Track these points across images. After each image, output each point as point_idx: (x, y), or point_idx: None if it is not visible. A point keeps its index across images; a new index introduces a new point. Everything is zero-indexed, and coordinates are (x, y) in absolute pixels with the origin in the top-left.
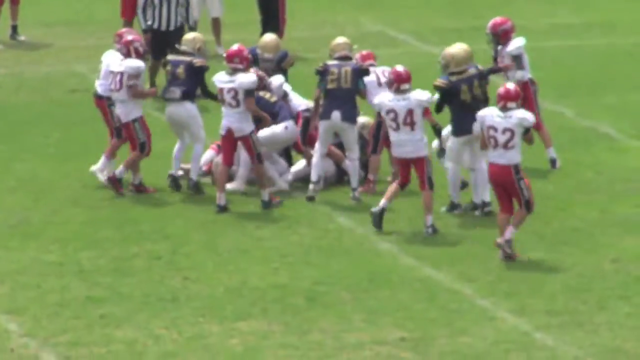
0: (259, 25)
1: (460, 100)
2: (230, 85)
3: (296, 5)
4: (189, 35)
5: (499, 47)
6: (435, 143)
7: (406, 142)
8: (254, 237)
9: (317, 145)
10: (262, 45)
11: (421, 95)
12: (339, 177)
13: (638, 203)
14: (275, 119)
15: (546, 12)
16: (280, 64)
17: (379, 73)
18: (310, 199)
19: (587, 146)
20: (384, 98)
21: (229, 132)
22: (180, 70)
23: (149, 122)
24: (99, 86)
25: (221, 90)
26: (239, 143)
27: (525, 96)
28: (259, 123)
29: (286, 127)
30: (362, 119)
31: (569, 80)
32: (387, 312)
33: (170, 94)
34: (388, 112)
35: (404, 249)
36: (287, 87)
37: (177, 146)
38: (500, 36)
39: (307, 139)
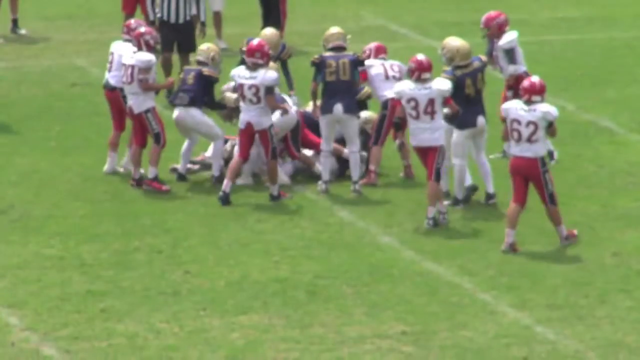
0: (259, 19)
1: (464, 94)
2: (252, 81)
3: None
4: (203, 46)
5: (494, 41)
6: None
7: (424, 131)
8: (254, 230)
9: (323, 144)
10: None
11: (442, 85)
12: (341, 172)
13: (638, 197)
14: None
15: (547, 6)
16: (279, 56)
17: (386, 66)
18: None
19: (587, 140)
20: (404, 86)
21: (249, 126)
22: (190, 77)
23: None
24: (112, 78)
25: (241, 85)
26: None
27: (518, 88)
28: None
29: (281, 114)
30: (365, 114)
31: (569, 74)
32: (388, 305)
33: (178, 100)
34: (409, 100)
35: (405, 243)
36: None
37: (185, 144)
38: (494, 30)
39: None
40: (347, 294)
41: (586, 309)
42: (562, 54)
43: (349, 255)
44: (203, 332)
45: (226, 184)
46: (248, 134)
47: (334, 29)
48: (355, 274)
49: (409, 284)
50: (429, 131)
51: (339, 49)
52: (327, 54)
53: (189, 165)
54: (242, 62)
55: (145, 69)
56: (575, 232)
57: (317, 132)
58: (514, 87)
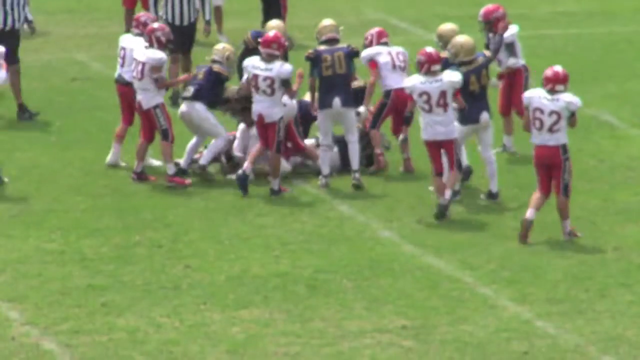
0: (260, 13)
1: (469, 90)
2: (267, 73)
3: None
4: (219, 45)
5: (490, 35)
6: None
7: (439, 124)
8: (255, 225)
9: (322, 138)
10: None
11: (453, 77)
12: (342, 166)
13: (639, 191)
14: None
15: (546, 0)
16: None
17: (393, 55)
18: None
19: (588, 134)
20: (415, 81)
21: (260, 117)
22: (201, 73)
23: None
24: (126, 73)
25: (256, 77)
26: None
27: (516, 82)
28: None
29: (284, 105)
30: (362, 109)
31: (569, 68)
32: (388, 300)
33: (185, 92)
34: (421, 94)
35: (405, 237)
36: None
37: (193, 140)
38: (493, 23)
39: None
40: (347, 288)
41: (586, 303)
42: (562, 48)
43: (350, 249)
44: (203, 327)
45: (247, 166)
46: (262, 124)
47: (327, 21)
48: (355, 268)
49: (409, 278)
50: (443, 124)
51: (332, 41)
52: (321, 47)
53: (196, 157)
54: (245, 54)
55: (158, 67)
56: (579, 234)
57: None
58: (509, 81)
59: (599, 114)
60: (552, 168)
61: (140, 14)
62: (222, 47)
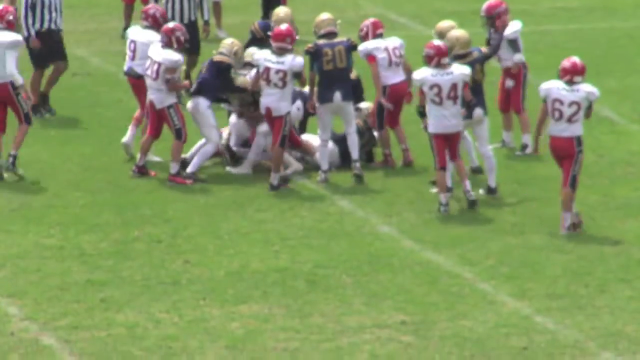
0: (259, 8)
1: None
2: (280, 66)
3: None
4: (227, 40)
5: (492, 30)
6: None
7: (449, 116)
8: (254, 220)
9: (321, 133)
10: (275, 19)
11: (464, 70)
12: (342, 162)
13: (639, 186)
14: None
15: None
16: None
17: (390, 51)
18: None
19: (588, 130)
20: (425, 73)
21: (268, 111)
22: (204, 67)
23: None
24: (137, 66)
25: (267, 69)
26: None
27: (515, 79)
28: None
29: (298, 109)
30: (364, 105)
31: None
32: (387, 295)
33: (192, 88)
34: (432, 87)
35: (405, 232)
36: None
37: (202, 140)
38: (495, 19)
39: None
40: (346, 283)
41: (586, 299)
42: (562, 43)
43: (349, 244)
44: (203, 322)
45: (273, 177)
46: (270, 117)
47: (324, 15)
48: (355, 263)
49: (408, 274)
50: (453, 117)
51: (331, 35)
52: (321, 42)
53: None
54: (251, 44)
55: (173, 69)
56: (579, 230)
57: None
58: (508, 77)
59: (599, 110)
60: (564, 159)
61: (149, 6)
62: (231, 42)
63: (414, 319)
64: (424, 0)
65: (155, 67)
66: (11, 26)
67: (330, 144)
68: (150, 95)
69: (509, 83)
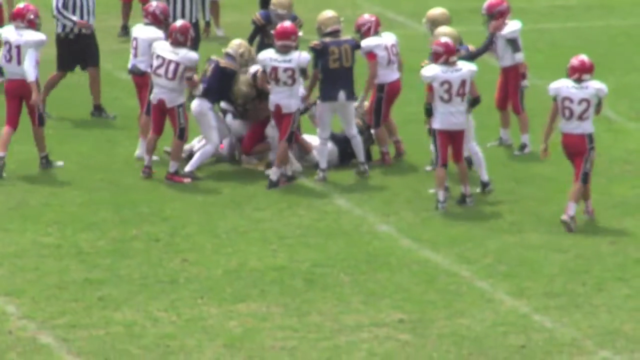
0: (257, 7)
1: None
2: (288, 64)
3: None
4: (235, 40)
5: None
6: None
7: (456, 114)
8: (252, 219)
9: (321, 131)
10: (276, 2)
11: (471, 66)
12: (341, 161)
13: (636, 185)
14: None
15: None
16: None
17: (389, 49)
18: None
19: None
20: (436, 70)
21: (277, 108)
22: (210, 69)
23: None
24: (140, 63)
25: (275, 69)
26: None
27: (509, 79)
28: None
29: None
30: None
31: (567, 62)
32: (385, 294)
33: (196, 90)
34: (442, 83)
35: (403, 231)
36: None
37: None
38: (496, 17)
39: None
40: (344, 282)
41: (583, 297)
42: (560, 42)
43: (347, 243)
44: (201, 321)
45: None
46: (279, 115)
47: (329, 13)
48: (352, 262)
49: (406, 272)
50: (459, 114)
51: (336, 33)
52: (328, 39)
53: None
54: (255, 33)
55: (192, 67)
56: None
57: None
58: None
59: None
60: (576, 155)
61: (150, 4)
62: (238, 43)
63: (411, 318)
64: None
65: (173, 66)
66: (32, 25)
67: (330, 144)
68: (161, 95)
69: (525, 83)
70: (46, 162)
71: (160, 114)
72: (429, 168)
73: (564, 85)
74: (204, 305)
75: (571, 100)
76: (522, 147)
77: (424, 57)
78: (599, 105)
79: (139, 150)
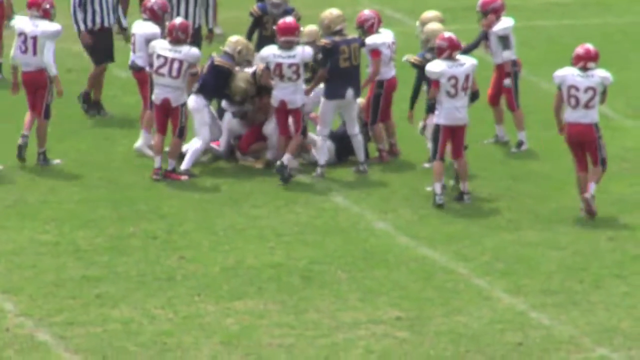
0: (254, 3)
1: None
2: (292, 60)
3: None
4: (232, 38)
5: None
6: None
7: (460, 109)
8: (249, 216)
9: (322, 128)
10: None
11: (472, 60)
12: (339, 158)
13: (634, 182)
14: None
15: None
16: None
17: (390, 47)
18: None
19: None
20: (443, 66)
21: (282, 104)
22: (207, 65)
23: None
24: (138, 59)
25: (279, 65)
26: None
27: (502, 77)
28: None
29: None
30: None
31: (563, 59)
32: (382, 291)
33: (193, 87)
34: (449, 78)
35: (400, 229)
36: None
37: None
38: (490, 14)
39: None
40: (342, 279)
41: (581, 295)
42: (556, 39)
43: (344, 240)
44: (198, 318)
45: (286, 157)
46: (284, 112)
47: (335, 11)
48: (350, 259)
49: (403, 270)
50: (463, 109)
51: (342, 32)
52: (338, 38)
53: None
54: (254, 25)
55: (195, 64)
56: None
57: None
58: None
59: None
60: (585, 145)
61: (152, 1)
62: (236, 40)
63: (409, 315)
64: None
65: (177, 65)
66: (47, 15)
67: (328, 141)
68: (165, 94)
69: (507, 82)
70: (44, 159)
71: (163, 114)
72: (427, 165)
73: (569, 74)
74: (201, 303)
75: (577, 89)
76: (519, 144)
77: None
78: (603, 94)
79: (140, 142)
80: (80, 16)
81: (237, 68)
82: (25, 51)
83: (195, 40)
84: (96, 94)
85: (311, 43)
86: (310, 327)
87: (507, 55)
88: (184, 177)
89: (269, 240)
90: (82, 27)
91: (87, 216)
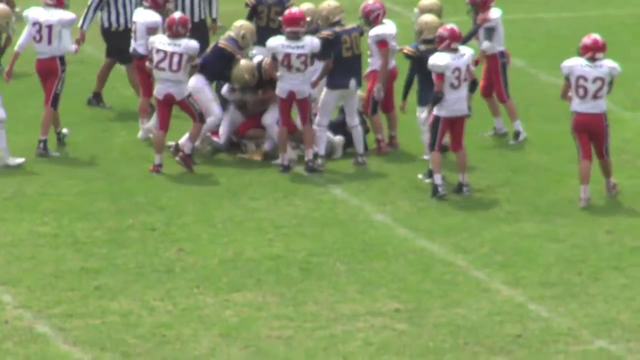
0: None
1: (427, 70)
2: (301, 50)
3: None
4: (237, 22)
5: (477, 17)
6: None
7: (461, 100)
8: (248, 208)
9: (322, 118)
10: None
11: (470, 50)
12: (330, 151)
13: (633, 174)
14: None
15: None
16: (284, 5)
17: (394, 37)
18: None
19: None
20: (447, 58)
21: (291, 95)
22: (211, 47)
23: None
24: (139, 46)
25: (288, 55)
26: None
27: (490, 68)
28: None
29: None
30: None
31: (563, 51)
32: (381, 283)
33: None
34: (454, 70)
35: (399, 221)
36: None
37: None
38: (479, 5)
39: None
40: (340, 271)
41: (580, 287)
42: (555, 31)
43: (343, 232)
44: (197, 310)
45: (282, 157)
46: (290, 104)
47: (333, 3)
48: (348, 251)
49: (402, 262)
50: (463, 100)
51: (340, 22)
52: (338, 29)
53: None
54: (250, 17)
55: (195, 56)
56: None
57: None
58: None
59: None
60: (593, 134)
61: None
62: (240, 24)
63: (407, 307)
64: None
65: (177, 58)
66: (60, 4)
67: (338, 136)
68: (168, 89)
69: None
70: (44, 147)
71: (166, 109)
72: (426, 157)
73: (577, 64)
74: (199, 295)
75: (585, 79)
76: (516, 135)
77: None
78: (610, 85)
79: (142, 132)
80: (105, 15)
81: (238, 55)
82: (40, 40)
83: (202, 32)
84: (99, 85)
85: (309, 23)
86: (309, 319)
87: (486, 46)
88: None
89: (268, 232)
90: (106, 25)
91: (86, 208)
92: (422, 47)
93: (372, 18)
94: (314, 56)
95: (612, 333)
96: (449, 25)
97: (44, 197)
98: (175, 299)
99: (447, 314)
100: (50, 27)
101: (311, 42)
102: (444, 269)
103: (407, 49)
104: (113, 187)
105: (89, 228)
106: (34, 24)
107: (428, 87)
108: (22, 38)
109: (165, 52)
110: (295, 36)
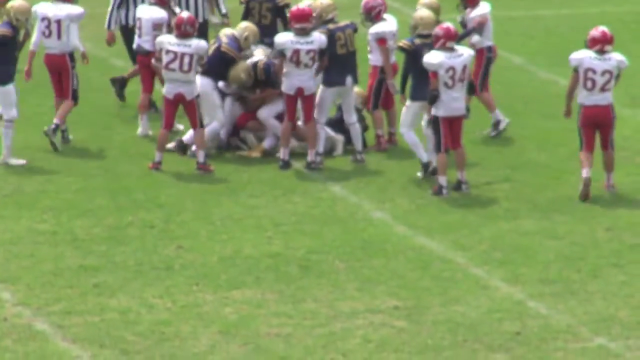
0: None
1: (421, 65)
2: (310, 46)
3: None
4: (242, 24)
5: (468, 10)
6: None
7: (457, 99)
8: (247, 206)
9: (319, 116)
10: None
11: (470, 51)
12: (331, 148)
13: (632, 171)
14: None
15: None
16: (275, 1)
17: (395, 34)
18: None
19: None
20: (441, 57)
21: (299, 91)
22: (212, 49)
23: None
24: (145, 42)
25: (297, 51)
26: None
27: (475, 61)
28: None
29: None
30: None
31: (562, 48)
32: (380, 280)
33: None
34: (448, 69)
35: (398, 218)
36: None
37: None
38: (468, 0)
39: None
40: (339, 269)
41: (579, 284)
42: (555, 28)
43: (342, 230)
44: (196, 307)
45: (283, 153)
46: (296, 100)
47: (326, 0)
48: (347, 249)
49: (401, 259)
50: (459, 100)
51: (334, 19)
52: (332, 26)
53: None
54: (246, 15)
55: (204, 56)
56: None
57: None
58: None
59: None
60: (600, 126)
61: None
62: (245, 26)
63: (407, 304)
64: None
65: (187, 59)
66: None
67: (338, 134)
68: (178, 89)
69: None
70: (55, 130)
71: (174, 109)
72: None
73: (586, 56)
74: (199, 292)
75: (594, 72)
76: (496, 124)
77: None
78: (617, 78)
79: (141, 129)
80: (123, 13)
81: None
82: (49, 35)
83: (203, 33)
84: (131, 74)
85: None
86: (308, 317)
87: (475, 40)
88: (212, 168)
89: (267, 229)
90: (124, 22)
91: (85, 205)
92: (418, 41)
93: (373, 14)
94: (322, 52)
95: (611, 330)
96: (445, 24)
97: (43, 194)
98: (174, 296)
99: (446, 312)
100: (59, 21)
101: (319, 38)
102: (443, 266)
103: (403, 42)
104: (112, 185)
105: (88, 225)
106: (43, 19)
107: (420, 82)
108: (35, 36)
109: (175, 53)
110: (303, 32)
